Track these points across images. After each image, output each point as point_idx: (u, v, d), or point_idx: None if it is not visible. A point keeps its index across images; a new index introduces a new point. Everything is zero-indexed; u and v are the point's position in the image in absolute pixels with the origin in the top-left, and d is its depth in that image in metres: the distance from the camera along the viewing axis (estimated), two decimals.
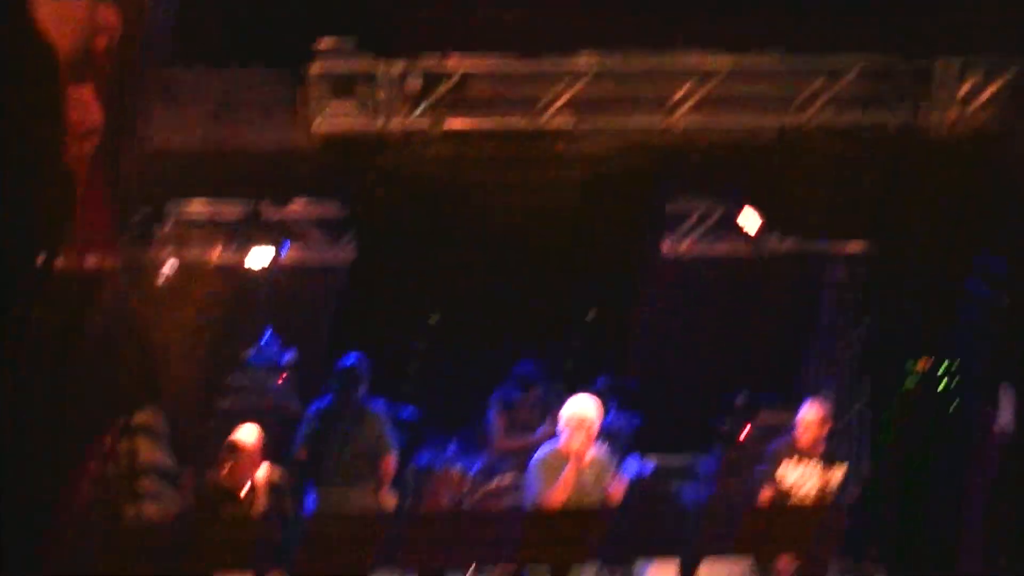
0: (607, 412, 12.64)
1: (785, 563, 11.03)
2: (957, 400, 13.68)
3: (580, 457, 10.44)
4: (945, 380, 14.18)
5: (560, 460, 10.45)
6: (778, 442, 11.80)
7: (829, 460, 11.48)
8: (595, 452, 10.62)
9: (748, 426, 13.58)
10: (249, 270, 11.01)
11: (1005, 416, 10.40)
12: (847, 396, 14.03)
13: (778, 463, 11.45)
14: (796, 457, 11.47)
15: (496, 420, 13.26)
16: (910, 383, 14.23)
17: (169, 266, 6.21)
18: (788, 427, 11.71)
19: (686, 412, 14.08)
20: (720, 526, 8.00)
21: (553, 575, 2.27)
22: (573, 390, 11.82)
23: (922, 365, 14.22)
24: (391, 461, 11.95)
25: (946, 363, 14.23)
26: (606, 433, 11.43)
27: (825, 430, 11.55)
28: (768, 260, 12.70)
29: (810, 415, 11.50)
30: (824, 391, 13.95)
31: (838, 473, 11.44)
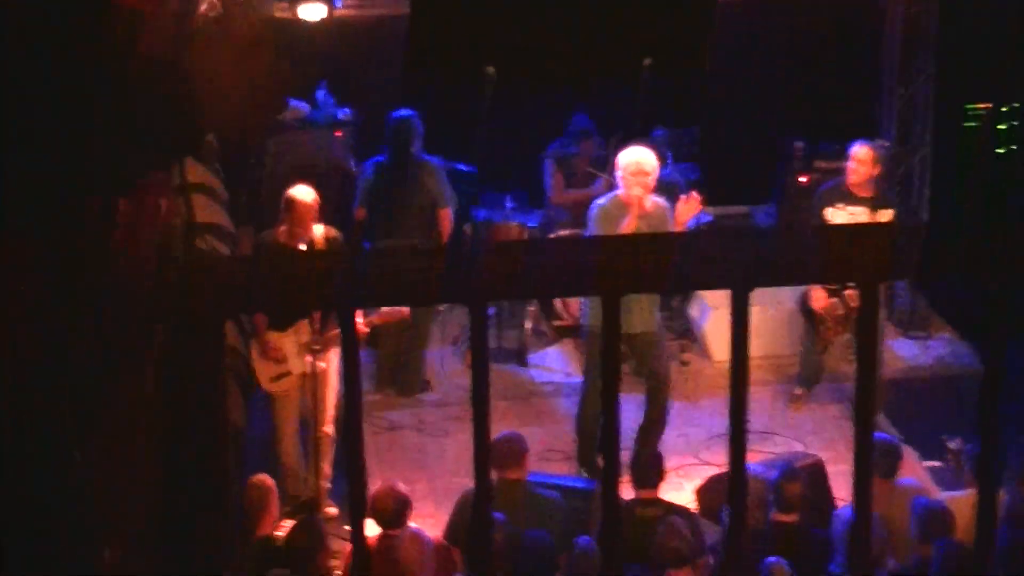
0: (664, 164, 12.64)
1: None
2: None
3: (640, 204, 10.40)
4: (1006, 120, 14.10)
5: (620, 208, 10.44)
6: (826, 185, 11.80)
7: (877, 205, 11.40)
8: (654, 200, 10.61)
9: (806, 176, 13.58)
10: (303, 22, 10.89)
11: None
12: (910, 142, 13.98)
13: (825, 205, 11.44)
14: (844, 200, 11.42)
15: (552, 174, 13.28)
16: (972, 123, 14.16)
17: (216, 12, 6.07)
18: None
19: (744, 164, 14.06)
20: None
21: (603, 303, 2.28)
22: (629, 142, 11.81)
23: (983, 107, 14.13)
24: (447, 215, 11.94)
25: (1007, 106, 14.15)
26: (663, 185, 11.43)
27: (876, 172, 11.45)
28: (830, 3, 12.50)
29: (860, 154, 11.41)
30: (881, 136, 13.93)
31: (885, 217, 11.38)
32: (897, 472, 8.96)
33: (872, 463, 2.70)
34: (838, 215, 11.37)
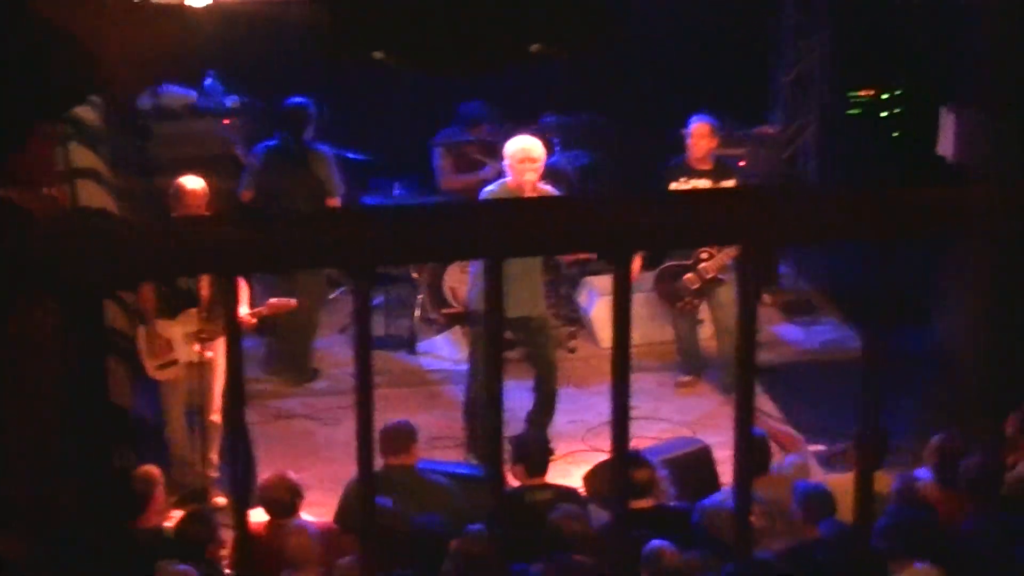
0: (551, 151, 12.70)
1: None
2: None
3: (528, 191, 10.46)
4: (888, 108, 14.34)
5: (509, 195, 10.48)
6: (671, 162, 12.06)
7: (719, 176, 11.81)
8: (542, 187, 10.67)
9: None
10: (189, 8, 10.83)
11: (946, 139, 10.51)
12: (797, 123, 14.17)
13: (669, 180, 11.77)
14: (686, 175, 11.78)
15: (442, 160, 13.29)
16: (855, 110, 14.40)
17: None
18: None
19: (631, 150, 14.14)
20: None
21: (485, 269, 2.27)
22: (517, 128, 11.86)
23: (866, 93, 14.37)
24: (336, 203, 11.95)
25: (888, 93, 14.39)
26: (551, 172, 11.50)
27: (713, 144, 11.88)
28: None
29: (698, 129, 11.81)
30: (770, 120, 14.12)
31: (728, 185, 11.71)
32: (768, 467, 9.05)
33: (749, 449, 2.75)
34: (682, 188, 11.67)
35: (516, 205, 2.92)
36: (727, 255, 11.52)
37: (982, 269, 9.60)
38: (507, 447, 9.43)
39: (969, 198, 2.44)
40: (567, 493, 9.09)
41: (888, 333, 2.82)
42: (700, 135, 11.79)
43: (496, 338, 2.47)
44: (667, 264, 11.98)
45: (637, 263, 11.39)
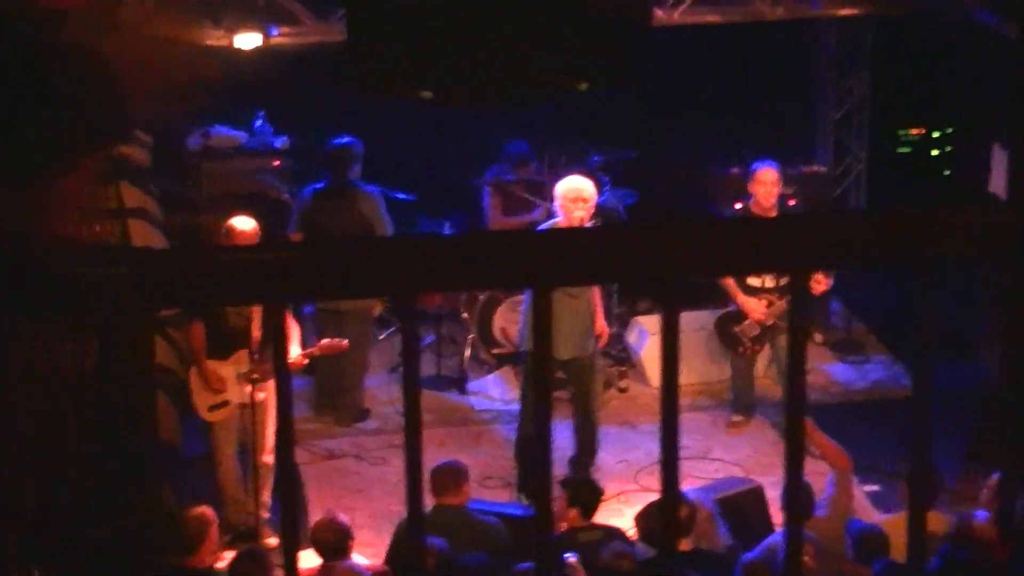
0: (601, 190, 12.67)
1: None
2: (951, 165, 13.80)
3: None
4: (939, 146, 14.26)
5: None
6: (733, 208, 11.96)
7: None
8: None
9: (741, 203, 13.62)
10: (239, 51, 10.88)
11: (998, 176, 10.44)
12: (845, 163, 14.12)
13: None
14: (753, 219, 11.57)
15: (490, 200, 13.28)
16: (904, 148, 14.33)
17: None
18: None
19: (681, 187, 14.11)
20: None
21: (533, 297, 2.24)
22: (564, 168, 11.84)
23: (916, 132, 14.29)
24: None
25: (939, 131, 14.31)
26: (601, 211, 11.47)
27: (777, 191, 11.60)
28: (761, 25, 12.60)
29: (767, 176, 11.55)
30: (817, 160, 14.05)
31: None
32: (813, 511, 8.94)
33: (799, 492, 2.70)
34: None
35: (563, 234, 2.89)
36: (787, 303, 11.27)
37: (1017, 297, 9.51)
38: (557, 488, 9.39)
39: (1003, 219, 2.40)
40: (613, 532, 9.05)
41: (934, 368, 2.77)
42: (770, 182, 11.54)
43: (545, 370, 2.43)
44: (725, 311, 11.85)
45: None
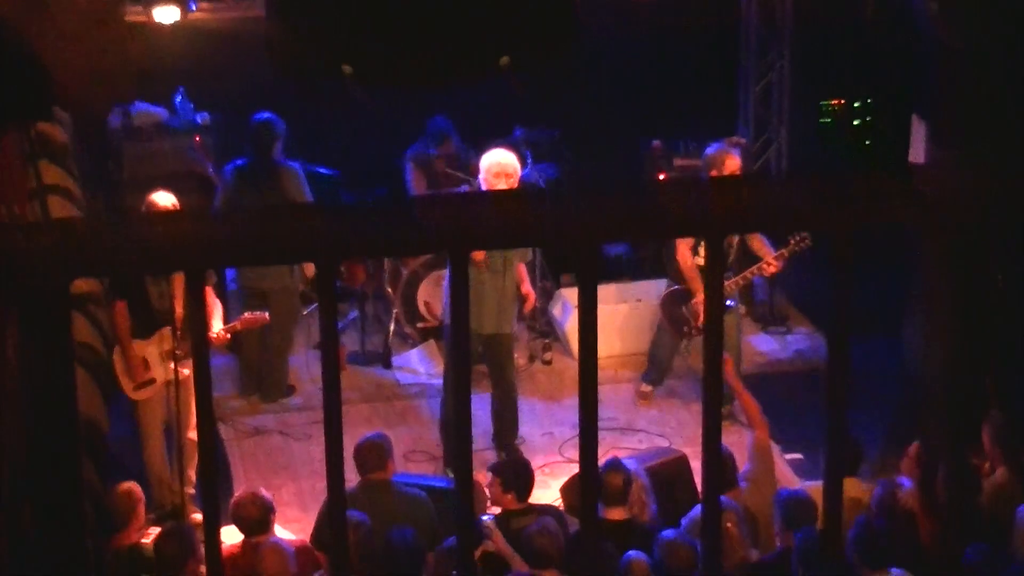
0: (524, 164, 12.69)
1: None
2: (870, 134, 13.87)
3: None
4: (859, 117, 14.35)
5: None
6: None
7: None
8: None
9: (665, 174, 13.67)
10: (158, 26, 10.81)
11: (917, 146, 10.51)
12: (767, 134, 14.19)
13: None
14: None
15: (413, 176, 13.27)
16: (825, 119, 14.40)
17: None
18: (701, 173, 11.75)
19: (603, 162, 14.14)
20: None
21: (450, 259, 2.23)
22: (486, 143, 11.84)
23: (836, 103, 14.37)
24: None
25: (859, 101, 14.40)
26: (523, 185, 11.47)
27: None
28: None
29: (731, 163, 11.32)
30: (737, 131, 14.11)
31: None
32: (736, 482, 9.01)
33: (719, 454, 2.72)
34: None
35: (480, 197, 2.90)
36: (734, 282, 11.20)
37: (941, 273, 9.62)
38: (484, 463, 9.41)
39: (924, 183, 2.44)
40: (546, 509, 9.05)
41: (849, 342, 2.81)
42: (733, 169, 11.24)
43: (463, 337, 2.44)
44: (673, 288, 11.74)
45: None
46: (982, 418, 8.90)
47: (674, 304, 11.75)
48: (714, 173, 11.33)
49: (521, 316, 12.04)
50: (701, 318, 11.56)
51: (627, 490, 8.57)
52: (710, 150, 11.52)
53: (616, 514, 8.52)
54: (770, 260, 11.24)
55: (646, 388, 12.12)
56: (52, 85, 4.47)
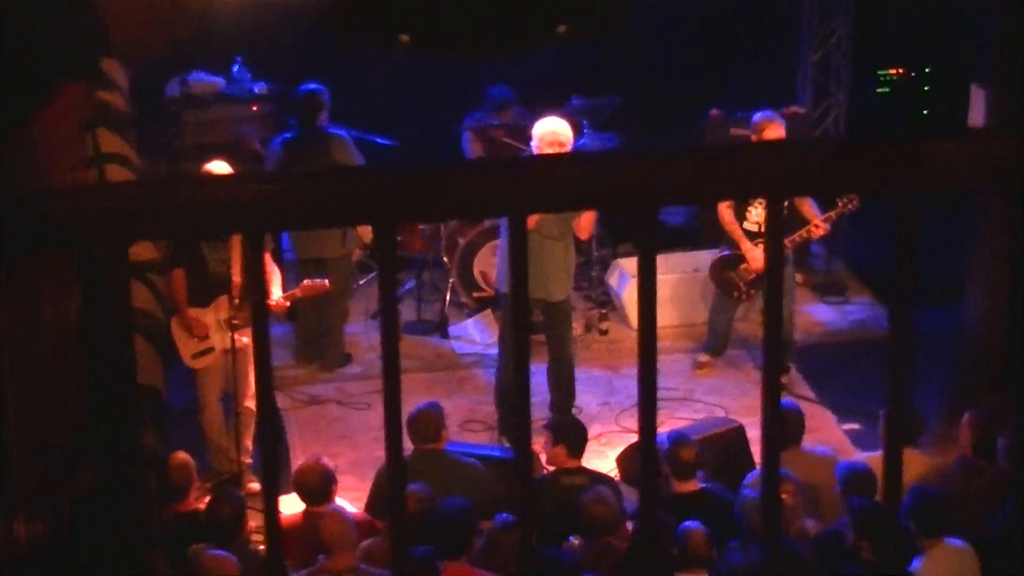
0: (580, 133, 12.66)
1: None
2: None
3: None
4: (917, 87, 14.27)
5: None
6: None
7: None
8: None
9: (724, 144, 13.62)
10: None
11: (976, 115, 10.43)
12: (826, 103, 14.11)
13: None
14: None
15: (471, 146, 13.27)
16: (884, 89, 14.33)
17: None
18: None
19: (662, 132, 14.10)
20: None
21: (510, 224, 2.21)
22: (546, 112, 11.80)
23: (895, 72, 14.29)
24: None
25: (918, 71, 14.31)
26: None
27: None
28: None
29: (775, 130, 11.29)
30: (796, 100, 14.03)
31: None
32: (800, 439, 8.99)
33: (778, 418, 2.70)
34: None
35: (537, 161, 2.89)
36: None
37: (1006, 236, 9.54)
38: (541, 433, 9.41)
39: (991, 149, 2.40)
40: (600, 477, 9.08)
41: (912, 310, 2.77)
42: (776, 138, 11.17)
43: (520, 304, 2.43)
44: (723, 254, 11.74)
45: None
46: None
47: (722, 269, 11.73)
48: (755, 140, 11.33)
49: (579, 276, 12.00)
50: (750, 278, 11.56)
51: (697, 462, 8.57)
52: (756, 117, 11.48)
53: (689, 486, 8.53)
54: (818, 223, 11.19)
55: (704, 358, 12.09)
56: (107, 33, 4.46)
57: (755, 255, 11.43)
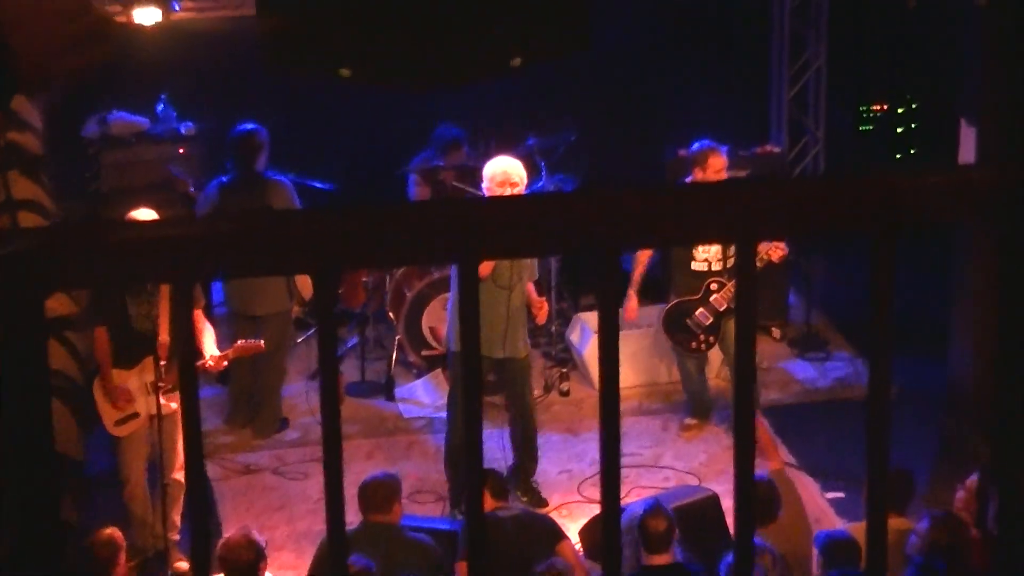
0: (539, 175, 12.69)
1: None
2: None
3: None
4: (903, 123, 14.37)
5: None
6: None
7: None
8: None
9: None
10: (139, 27, 10.83)
11: (966, 152, 10.51)
12: (803, 141, 14.19)
13: None
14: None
15: (417, 190, 13.25)
16: (867, 126, 14.43)
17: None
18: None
19: (625, 172, 14.15)
20: None
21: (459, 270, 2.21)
22: (499, 152, 11.82)
23: (878, 108, 14.39)
24: None
25: (903, 107, 14.42)
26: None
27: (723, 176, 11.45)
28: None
29: (716, 162, 11.36)
30: (772, 140, 14.11)
31: None
32: (777, 514, 8.98)
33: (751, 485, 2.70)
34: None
35: (490, 201, 2.89)
36: (731, 287, 11.21)
37: (991, 287, 9.61)
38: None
39: (973, 181, 2.42)
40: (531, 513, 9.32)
41: (892, 365, 2.78)
42: (718, 169, 11.37)
43: (472, 350, 2.43)
44: (674, 302, 11.74)
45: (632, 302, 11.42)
46: None
47: (674, 320, 11.71)
48: (697, 172, 11.47)
49: (538, 332, 12.01)
50: (707, 323, 11.57)
51: (671, 534, 8.57)
52: (694, 148, 11.53)
53: (661, 559, 8.53)
54: (778, 243, 11.22)
55: (691, 421, 12.09)
56: (14, 66, 4.43)
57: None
